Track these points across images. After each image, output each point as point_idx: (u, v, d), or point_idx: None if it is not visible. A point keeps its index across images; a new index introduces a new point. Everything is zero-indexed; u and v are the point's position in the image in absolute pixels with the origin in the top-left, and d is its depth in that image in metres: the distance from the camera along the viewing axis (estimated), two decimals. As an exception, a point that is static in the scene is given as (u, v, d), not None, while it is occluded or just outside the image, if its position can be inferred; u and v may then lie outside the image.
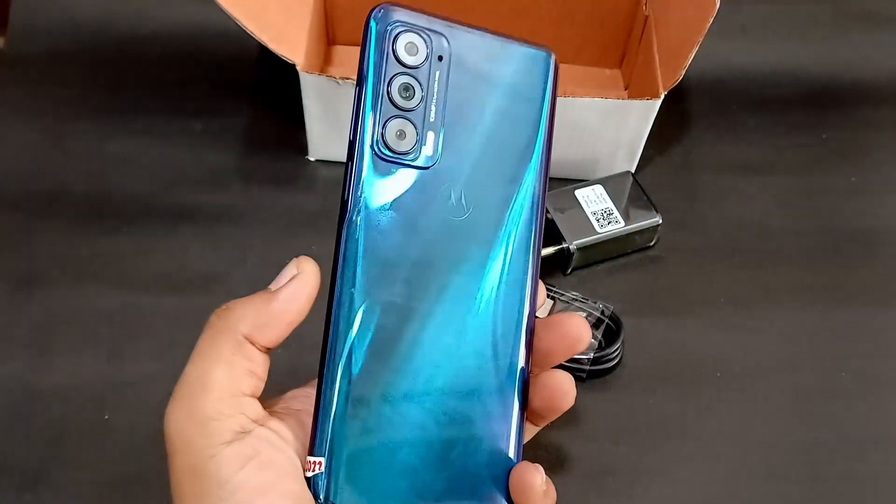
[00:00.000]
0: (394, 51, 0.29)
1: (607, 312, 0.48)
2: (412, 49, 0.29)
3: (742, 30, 0.65)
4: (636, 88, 0.59)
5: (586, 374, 0.47)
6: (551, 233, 0.52)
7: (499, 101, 0.31)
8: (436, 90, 0.30)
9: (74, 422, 0.44)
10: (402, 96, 0.29)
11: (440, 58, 0.30)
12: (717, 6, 0.48)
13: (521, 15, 0.60)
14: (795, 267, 0.53)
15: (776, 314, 0.51)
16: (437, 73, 0.30)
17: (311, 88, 0.51)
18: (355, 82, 0.29)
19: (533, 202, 0.31)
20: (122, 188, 0.54)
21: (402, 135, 0.29)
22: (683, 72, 0.49)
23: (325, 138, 0.54)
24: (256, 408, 0.29)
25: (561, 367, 0.46)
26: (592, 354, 0.46)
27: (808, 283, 0.53)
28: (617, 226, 0.51)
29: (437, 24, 0.30)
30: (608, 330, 0.48)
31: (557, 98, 0.51)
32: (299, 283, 0.30)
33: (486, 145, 0.31)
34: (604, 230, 0.51)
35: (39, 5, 0.61)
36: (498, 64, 0.31)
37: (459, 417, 0.29)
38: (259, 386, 0.30)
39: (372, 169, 0.29)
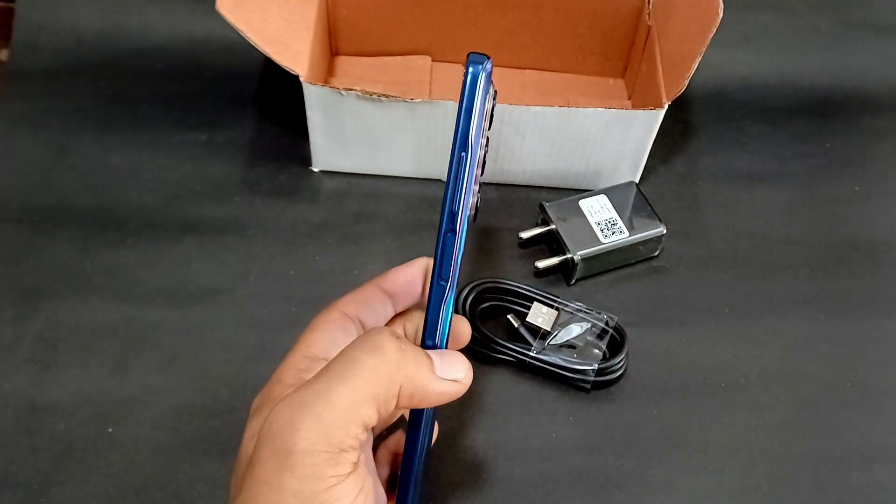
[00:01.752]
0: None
1: (611, 323, 0.48)
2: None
3: (745, 39, 0.65)
4: (640, 98, 0.59)
5: (590, 384, 0.46)
6: (555, 243, 0.52)
7: None
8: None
9: (78, 436, 0.44)
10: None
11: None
12: (720, 17, 0.48)
13: (525, 26, 0.61)
14: (799, 277, 0.53)
15: (780, 324, 0.51)
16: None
17: (315, 99, 0.51)
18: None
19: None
20: (126, 201, 0.54)
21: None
22: (687, 82, 0.49)
23: (328, 149, 0.54)
24: (365, 437, 0.30)
25: (566, 379, 0.47)
26: (597, 366, 0.46)
27: (812, 293, 0.53)
28: (621, 236, 0.51)
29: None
30: (612, 341, 0.48)
31: (559, 107, 0.51)
32: (459, 388, 0.32)
33: None
34: (608, 240, 0.51)
35: (43, 19, 0.61)
36: None
37: None
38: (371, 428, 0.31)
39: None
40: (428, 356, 0.32)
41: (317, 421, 0.28)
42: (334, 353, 0.31)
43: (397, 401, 0.30)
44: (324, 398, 0.28)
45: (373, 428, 0.34)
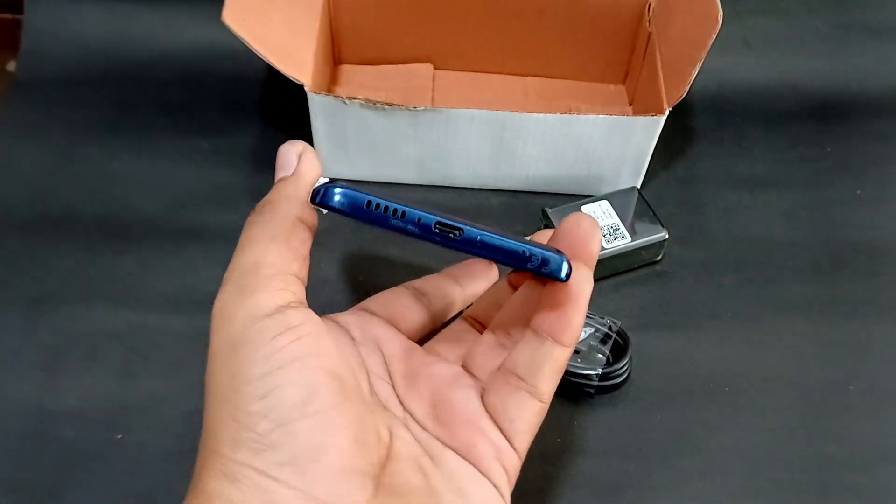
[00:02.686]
0: None
1: (615, 328, 0.48)
2: None
3: (745, 44, 0.66)
4: (640, 104, 0.59)
5: (594, 389, 0.47)
6: (558, 249, 0.52)
7: None
8: None
9: (86, 442, 0.44)
10: None
11: None
12: (720, 23, 0.48)
13: (527, 33, 0.61)
14: (802, 280, 0.53)
15: (783, 328, 0.51)
16: None
17: (319, 108, 0.51)
18: None
19: None
20: (132, 208, 0.54)
21: None
22: (688, 88, 0.49)
23: (332, 157, 0.55)
24: (303, 291, 0.30)
25: (570, 384, 0.47)
26: (600, 370, 0.46)
27: (815, 297, 0.53)
28: (623, 241, 0.51)
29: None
30: (616, 346, 0.48)
31: (561, 114, 0.52)
32: (309, 152, 0.33)
33: None
34: (610, 246, 0.51)
35: (49, 28, 0.62)
36: None
37: None
38: (306, 272, 0.31)
39: None
40: (284, 178, 0.33)
41: (227, 282, 0.30)
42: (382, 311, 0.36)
43: (303, 218, 0.31)
44: (231, 267, 0.30)
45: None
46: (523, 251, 0.31)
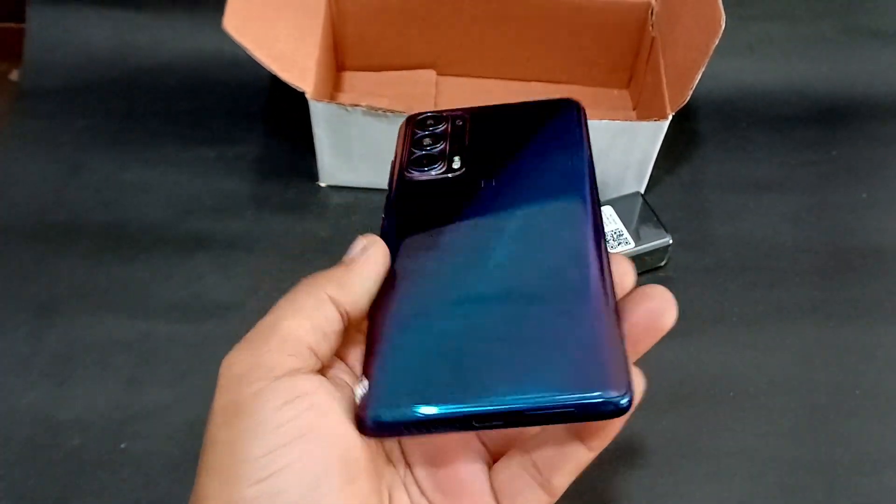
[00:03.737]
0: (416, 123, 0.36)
1: (619, 333, 0.48)
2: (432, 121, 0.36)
3: (749, 48, 0.65)
4: (644, 109, 0.59)
5: (599, 395, 0.47)
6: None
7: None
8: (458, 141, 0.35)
9: (93, 450, 0.44)
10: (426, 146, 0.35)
11: (458, 123, 0.36)
12: (723, 27, 0.48)
13: (531, 39, 0.61)
14: (807, 284, 0.53)
15: (789, 332, 0.51)
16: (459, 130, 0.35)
17: (321, 116, 0.51)
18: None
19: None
20: (138, 217, 0.54)
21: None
22: (690, 93, 0.49)
23: (335, 164, 0.55)
24: (316, 363, 0.28)
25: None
26: (605, 376, 0.46)
27: (820, 301, 0.53)
28: (627, 246, 0.51)
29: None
30: (620, 351, 0.48)
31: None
32: (375, 247, 0.31)
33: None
34: (614, 251, 0.51)
35: (54, 38, 0.62)
36: (523, 120, 0.35)
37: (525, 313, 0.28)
38: (328, 352, 0.29)
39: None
40: (340, 264, 0.31)
41: (242, 341, 0.28)
42: None
43: (334, 299, 0.29)
44: (251, 330, 0.28)
45: None
46: (584, 404, 0.26)
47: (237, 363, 0.27)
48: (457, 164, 0.34)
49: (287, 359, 0.27)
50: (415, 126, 0.36)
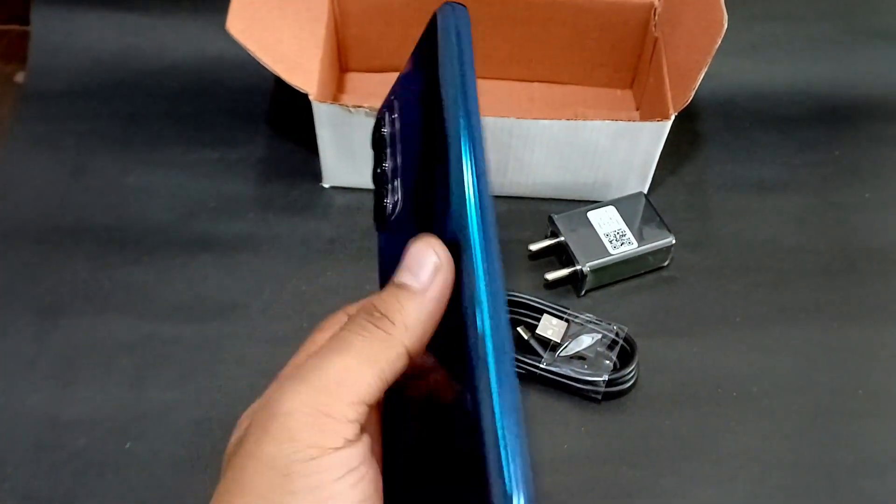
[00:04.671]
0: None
1: (622, 334, 0.48)
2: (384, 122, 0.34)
3: (753, 48, 0.65)
4: (647, 109, 0.59)
5: (601, 395, 0.47)
6: (564, 255, 0.52)
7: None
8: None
9: (98, 451, 0.44)
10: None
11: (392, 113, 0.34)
12: (725, 28, 0.48)
13: (533, 39, 0.61)
14: (810, 285, 0.53)
15: (792, 333, 0.51)
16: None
17: (324, 117, 0.51)
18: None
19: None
20: (143, 219, 0.55)
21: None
22: (693, 93, 0.49)
23: (338, 165, 0.55)
24: (366, 417, 0.27)
25: (577, 390, 0.47)
26: (607, 376, 0.46)
27: (823, 301, 0.53)
28: (630, 247, 0.51)
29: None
30: (623, 351, 0.48)
31: (567, 120, 0.52)
32: (444, 275, 0.27)
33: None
34: (617, 252, 0.51)
35: (58, 41, 0.63)
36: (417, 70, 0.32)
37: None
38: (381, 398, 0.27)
39: None
40: (396, 290, 0.27)
41: (304, 383, 0.25)
42: None
43: (410, 352, 0.27)
44: (315, 368, 0.26)
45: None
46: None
47: (294, 409, 0.25)
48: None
49: (346, 426, 0.25)
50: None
